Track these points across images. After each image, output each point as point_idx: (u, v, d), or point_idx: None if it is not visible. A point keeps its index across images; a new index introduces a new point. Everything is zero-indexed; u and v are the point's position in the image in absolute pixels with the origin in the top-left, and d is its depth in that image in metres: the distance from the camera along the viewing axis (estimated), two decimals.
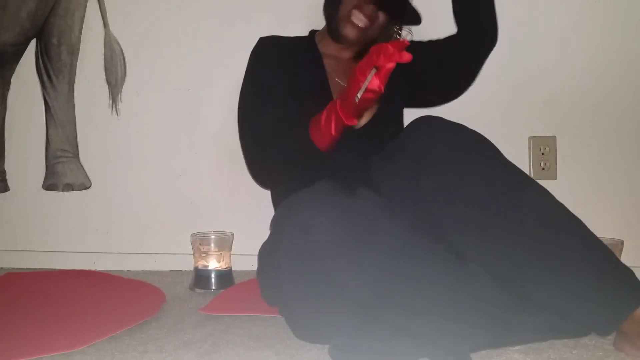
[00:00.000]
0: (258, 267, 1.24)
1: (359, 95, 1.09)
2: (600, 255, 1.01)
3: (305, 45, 1.48)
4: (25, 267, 1.83)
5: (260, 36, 1.47)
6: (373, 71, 1.07)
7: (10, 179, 1.90)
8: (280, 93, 1.35)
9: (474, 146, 1.07)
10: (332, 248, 1.00)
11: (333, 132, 1.16)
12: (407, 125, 1.14)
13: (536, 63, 1.69)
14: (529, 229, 1.01)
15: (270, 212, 1.33)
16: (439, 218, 1.06)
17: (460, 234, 1.04)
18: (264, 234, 1.24)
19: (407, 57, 1.04)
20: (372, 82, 1.07)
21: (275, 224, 1.23)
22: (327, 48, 1.46)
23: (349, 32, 1.37)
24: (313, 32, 1.53)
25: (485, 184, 1.03)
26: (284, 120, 1.29)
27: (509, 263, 1.02)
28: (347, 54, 1.46)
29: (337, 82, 1.42)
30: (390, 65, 1.05)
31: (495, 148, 1.09)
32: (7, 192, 1.90)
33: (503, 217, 1.01)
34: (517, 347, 1.02)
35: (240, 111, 1.38)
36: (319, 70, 1.41)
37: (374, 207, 1.09)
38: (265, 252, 1.20)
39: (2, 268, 1.84)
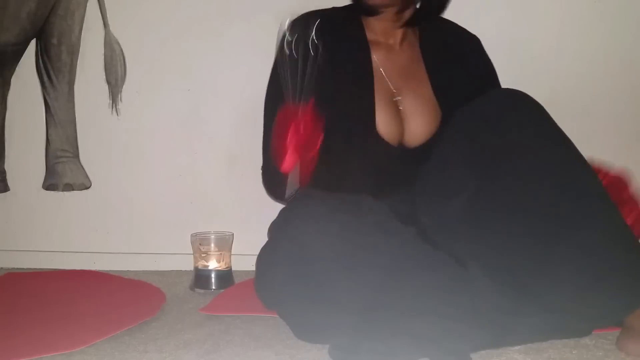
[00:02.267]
0: (255, 274, 1.21)
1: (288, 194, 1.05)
2: (626, 247, 0.98)
3: (349, 24, 1.23)
4: (25, 267, 1.83)
5: (291, 17, 1.23)
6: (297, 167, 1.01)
7: (10, 179, 1.90)
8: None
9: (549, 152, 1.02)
10: (327, 266, 0.99)
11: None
12: (487, 102, 1.06)
13: (536, 63, 1.69)
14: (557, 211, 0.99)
15: (270, 212, 1.33)
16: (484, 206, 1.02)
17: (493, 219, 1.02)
18: (264, 234, 1.24)
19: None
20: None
21: (272, 233, 1.21)
22: (371, 29, 1.24)
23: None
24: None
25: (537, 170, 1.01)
26: None
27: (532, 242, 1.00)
28: (393, 38, 1.24)
29: (384, 82, 1.20)
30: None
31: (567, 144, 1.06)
32: (7, 192, 1.89)
33: (537, 203, 1.00)
34: (517, 347, 1.02)
35: (264, 114, 1.28)
36: (365, 64, 1.19)
37: (372, 219, 1.05)
38: (263, 260, 1.18)
39: (2, 268, 1.84)
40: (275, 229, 1.19)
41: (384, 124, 1.16)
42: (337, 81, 1.16)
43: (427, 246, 1.05)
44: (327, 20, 1.16)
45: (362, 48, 1.20)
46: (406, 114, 1.19)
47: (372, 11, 1.20)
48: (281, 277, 1.06)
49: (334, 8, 1.29)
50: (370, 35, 1.24)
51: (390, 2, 1.19)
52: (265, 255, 1.17)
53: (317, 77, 1.02)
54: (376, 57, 1.22)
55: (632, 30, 1.66)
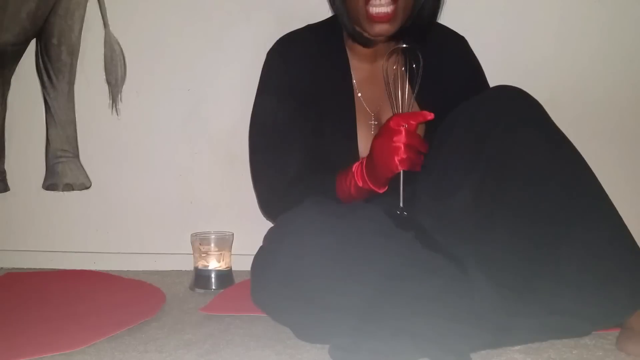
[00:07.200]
0: (251, 280, 1.19)
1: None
2: (627, 248, 0.99)
3: (334, 45, 1.28)
4: (25, 267, 1.83)
5: (263, 36, 1.39)
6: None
7: (10, 179, 1.90)
8: (299, 114, 1.23)
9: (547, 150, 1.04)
10: (324, 276, 1.00)
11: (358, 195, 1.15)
12: (488, 100, 1.11)
13: (536, 63, 1.69)
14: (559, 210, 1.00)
15: None
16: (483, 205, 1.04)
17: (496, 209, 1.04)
18: (264, 234, 1.24)
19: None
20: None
21: (268, 241, 1.19)
22: (355, 53, 1.28)
23: (378, 28, 1.16)
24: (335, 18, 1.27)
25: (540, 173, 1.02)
26: (304, 161, 1.21)
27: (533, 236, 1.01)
28: (376, 61, 1.27)
29: (362, 106, 1.26)
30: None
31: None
32: (7, 192, 1.89)
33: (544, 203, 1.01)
34: (517, 347, 1.02)
35: (254, 135, 1.30)
36: (347, 90, 1.24)
37: (369, 226, 1.06)
38: (259, 267, 1.17)
39: (2, 268, 1.84)
40: (272, 238, 1.17)
41: (363, 144, 1.22)
42: (322, 109, 1.22)
43: (425, 250, 1.05)
44: (310, 45, 1.27)
45: (344, 75, 1.25)
46: None
47: (369, 42, 1.23)
48: (277, 287, 1.06)
49: (318, 28, 1.32)
50: (352, 59, 1.28)
51: (393, 33, 1.20)
52: (261, 262, 1.16)
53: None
54: (356, 81, 1.27)
55: (631, 31, 1.66)
